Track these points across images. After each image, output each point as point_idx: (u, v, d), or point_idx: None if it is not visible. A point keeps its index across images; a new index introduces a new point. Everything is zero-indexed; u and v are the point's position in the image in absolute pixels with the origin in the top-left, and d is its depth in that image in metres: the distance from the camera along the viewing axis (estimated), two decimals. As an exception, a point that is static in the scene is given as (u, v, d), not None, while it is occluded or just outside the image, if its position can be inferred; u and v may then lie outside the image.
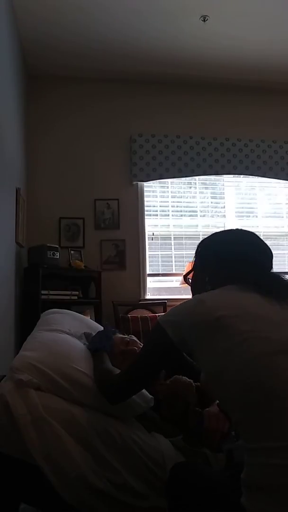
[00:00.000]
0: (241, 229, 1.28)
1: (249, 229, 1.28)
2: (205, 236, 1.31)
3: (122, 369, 1.40)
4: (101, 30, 3.62)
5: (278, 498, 0.86)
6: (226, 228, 1.33)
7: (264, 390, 0.91)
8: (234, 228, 1.32)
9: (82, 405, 1.27)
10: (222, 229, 1.37)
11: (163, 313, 3.92)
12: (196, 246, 1.31)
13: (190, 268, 1.31)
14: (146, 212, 4.43)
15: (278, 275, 1.15)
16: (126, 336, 1.65)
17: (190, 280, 1.29)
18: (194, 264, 1.28)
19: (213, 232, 1.30)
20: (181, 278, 4.12)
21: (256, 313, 1.01)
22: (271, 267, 1.22)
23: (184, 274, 1.33)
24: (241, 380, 0.94)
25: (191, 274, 1.29)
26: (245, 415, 0.94)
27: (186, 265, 4.13)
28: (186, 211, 4.55)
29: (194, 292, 1.25)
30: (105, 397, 1.23)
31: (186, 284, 1.33)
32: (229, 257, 1.20)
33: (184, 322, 1.07)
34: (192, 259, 1.30)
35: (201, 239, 1.32)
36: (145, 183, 4.42)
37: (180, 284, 4.17)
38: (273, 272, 1.19)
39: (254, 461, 0.91)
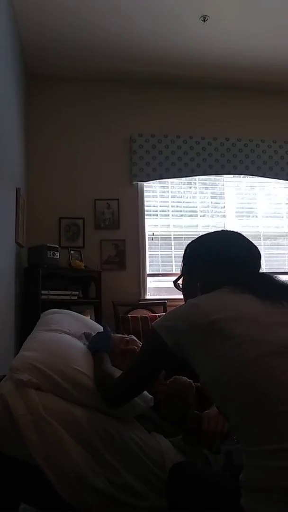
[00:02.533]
0: (227, 230, 1.28)
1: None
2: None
3: (122, 368, 1.41)
4: (101, 30, 3.62)
5: (277, 499, 0.86)
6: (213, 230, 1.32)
7: (260, 393, 0.91)
8: (220, 230, 1.32)
9: (82, 406, 1.27)
10: (222, 229, 1.36)
11: (163, 313, 3.92)
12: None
13: (180, 273, 1.30)
14: (146, 212, 4.43)
15: (269, 276, 1.16)
16: (125, 336, 1.65)
17: (180, 286, 1.29)
18: (182, 269, 1.28)
19: (200, 235, 1.28)
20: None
21: (251, 315, 1.01)
22: (260, 267, 1.21)
23: (174, 280, 1.32)
24: (238, 383, 0.94)
25: (181, 280, 1.29)
26: (242, 418, 0.94)
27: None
28: (186, 211, 4.55)
29: (186, 297, 1.25)
30: (105, 402, 1.24)
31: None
32: (218, 259, 1.20)
33: (178, 326, 1.06)
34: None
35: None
36: (145, 183, 4.42)
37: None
38: (263, 273, 1.19)
39: (252, 463, 0.91)
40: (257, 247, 1.23)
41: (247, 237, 1.24)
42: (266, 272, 1.18)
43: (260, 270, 1.22)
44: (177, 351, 1.07)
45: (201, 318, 1.02)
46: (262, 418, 0.90)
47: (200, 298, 1.11)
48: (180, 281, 1.30)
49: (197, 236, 1.30)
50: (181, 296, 1.31)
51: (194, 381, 1.50)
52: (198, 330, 1.02)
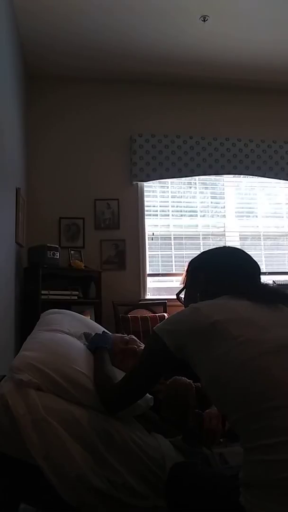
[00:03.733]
0: (229, 246, 1.36)
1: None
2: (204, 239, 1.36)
3: (122, 368, 1.41)
4: (101, 30, 3.62)
5: (276, 494, 0.87)
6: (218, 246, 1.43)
7: (256, 390, 0.94)
8: (222, 246, 1.39)
9: (82, 406, 1.27)
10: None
11: (163, 314, 3.93)
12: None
13: (183, 286, 1.35)
14: (146, 212, 4.43)
15: (266, 283, 1.22)
16: (125, 335, 1.65)
17: (182, 298, 1.33)
18: (185, 282, 1.33)
19: (202, 251, 1.35)
20: (181, 278, 4.12)
21: (248, 317, 1.05)
22: (260, 280, 1.26)
23: (176, 293, 1.37)
24: (236, 382, 0.97)
25: (183, 293, 1.34)
26: (241, 416, 0.96)
27: (180, 281, 4.13)
28: (186, 211, 4.55)
29: (186, 306, 1.27)
30: (105, 408, 1.25)
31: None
32: (217, 269, 1.25)
33: (180, 329, 1.09)
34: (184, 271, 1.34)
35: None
36: (145, 183, 4.42)
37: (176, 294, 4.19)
38: (261, 282, 1.24)
39: (251, 459, 0.92)
40: (257, 262, 1.27)
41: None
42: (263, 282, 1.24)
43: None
44: (178, 353, 1.09)
45: (202, 321, 1.05)
46: (259, 414, 0.92)
47: (200, 303, 1.14)
48: (182, 294, 1.34)
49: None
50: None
51: (194, 381, 1.50)
52: (199, 332, 1.05)
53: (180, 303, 1.34)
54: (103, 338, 1.55)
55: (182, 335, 1.07)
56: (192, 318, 1.08)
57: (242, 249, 1.32)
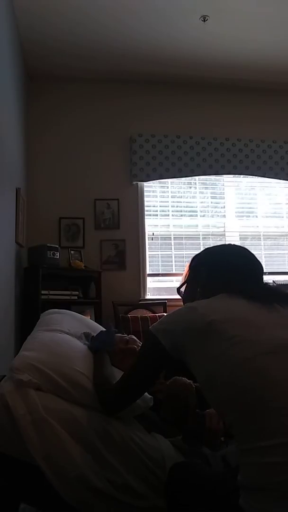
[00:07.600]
0: (234, 244, 1.34)
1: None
2: (205, 237, 1.34)
3: (121, 367, 1.41)
4: (101, 30, 3.62)
5: (275, 496, 0.86)
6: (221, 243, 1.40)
7: (254, 391, 0.93)
8: (227, 243, 1.38)
9: (82, 406, 1.27)
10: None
11: (163, 314, 3.93)
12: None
13: (183, 281, 1.35)
14: (146, 212, 4.43)
15: (265, 283, 1.20)
16: (125, 335, 1.65)
17: (182, 293, 1.32)
18: (187, 278, 1.32)
19: (206, 247, 1.35)
20: (181, 278, 4.12)
21: (245, 317, 1.04)
22: (262, 279, 1.25)
23: (177, 287, 1.36)
24: (233, 383, 0.96)
25: (183, 287, 1.33)
26: (237, 417, 0.96)
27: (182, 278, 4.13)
28: (186, 211, 4.55)
29: (185, 302, 1.27)
30: (103, 409, 1.25)
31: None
32: (219, 266, 1.24)
33: (176, 329, 1.08)
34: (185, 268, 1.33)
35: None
36: (145, 183, 4.42)
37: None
38: (262, 281, 1.23)
39: (249, 461, 0.92)
40: (260, 262, 1.26)
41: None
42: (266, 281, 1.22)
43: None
44: (174, 353, 1.09)
45: (199, 320, 1.04)
46: (256, 415, 0.92)
47: (197, 302, 1.14)
48: (182, 288, 1.33)
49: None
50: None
51: (194, 381, 1.50)
52: (196, 332, 1.04)
53: (180, 303, 1.34)
54: (106, 336, 1.55)
55: (178, 334, 1.07)
56: (189, 318, 1.07)
57: (246, 248, 1.31)
